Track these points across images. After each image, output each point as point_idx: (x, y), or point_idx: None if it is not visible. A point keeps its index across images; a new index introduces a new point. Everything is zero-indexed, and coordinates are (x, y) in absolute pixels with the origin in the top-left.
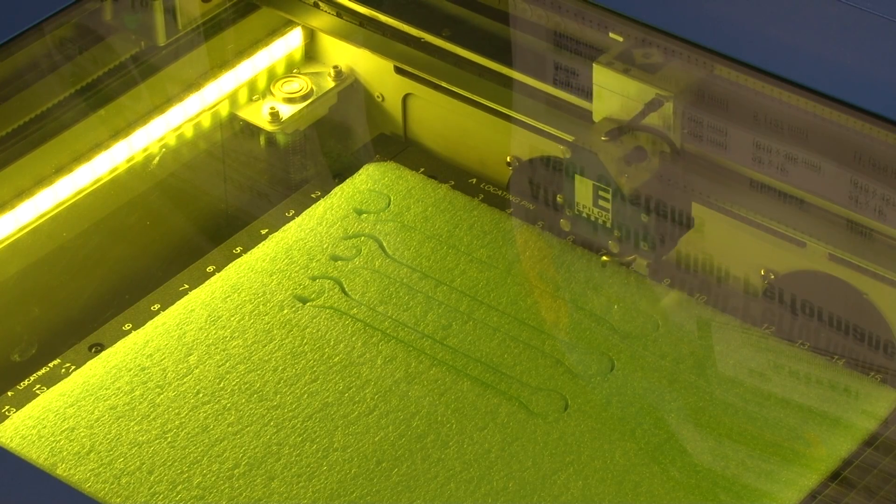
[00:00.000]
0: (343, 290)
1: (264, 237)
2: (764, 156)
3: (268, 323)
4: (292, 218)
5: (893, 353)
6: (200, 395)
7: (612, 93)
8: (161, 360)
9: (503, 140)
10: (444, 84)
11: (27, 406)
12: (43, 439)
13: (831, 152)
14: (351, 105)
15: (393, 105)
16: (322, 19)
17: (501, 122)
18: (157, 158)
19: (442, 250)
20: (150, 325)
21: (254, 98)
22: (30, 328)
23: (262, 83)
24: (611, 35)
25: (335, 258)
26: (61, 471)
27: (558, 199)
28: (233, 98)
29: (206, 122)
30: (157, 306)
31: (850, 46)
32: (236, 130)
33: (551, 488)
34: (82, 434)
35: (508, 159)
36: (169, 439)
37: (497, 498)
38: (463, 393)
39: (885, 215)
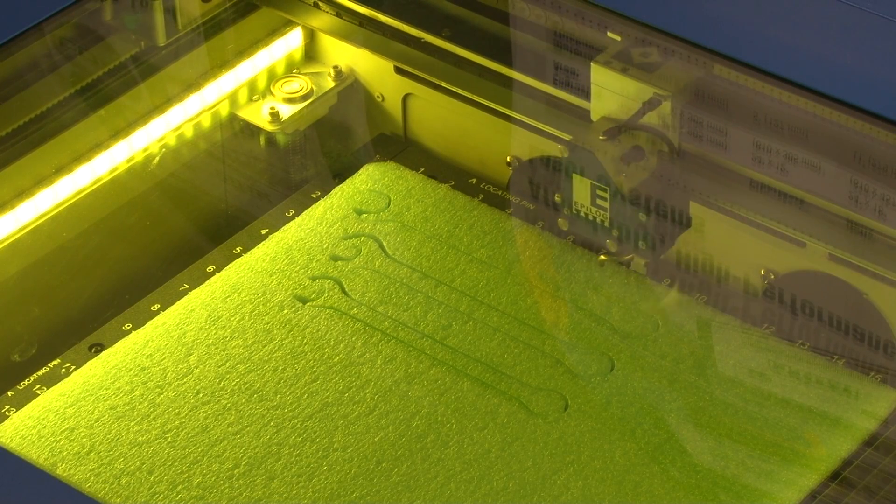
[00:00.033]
0: (343, 290)
1: (264, 237)
2: (764, 156)
3: (268, 323)
4: (292, 218)
5: (893, 353)
6: (200, 395)
7: (610, 92)
8: (161, 360)
9: (503, 140)
10: (444, 84)
11: (27, 406)
12: (43, 439)
13: (831, 152)
14: (351, 105)
15: (393, 105)
16: (322, 19)
17: (501, 122)
18: (157, 158)
19: (442, 250)
20: (150, 325)
21: (254, 98)
22: (30, 328)
23: (262, 83)
24: (609, 34)
25: (335, 258)
26: (61, 471)
27: (556, 198)
28: (233, 98)
29: (206, 122)
30: (157, 306)
31: (850, 46)
32: (236, 130)
33: (551, 488)
34: (82, 434)
35: (508, 159)
36: (169, 439)
37: (497, 498)
38: (463, 393)
39: (885, 215)
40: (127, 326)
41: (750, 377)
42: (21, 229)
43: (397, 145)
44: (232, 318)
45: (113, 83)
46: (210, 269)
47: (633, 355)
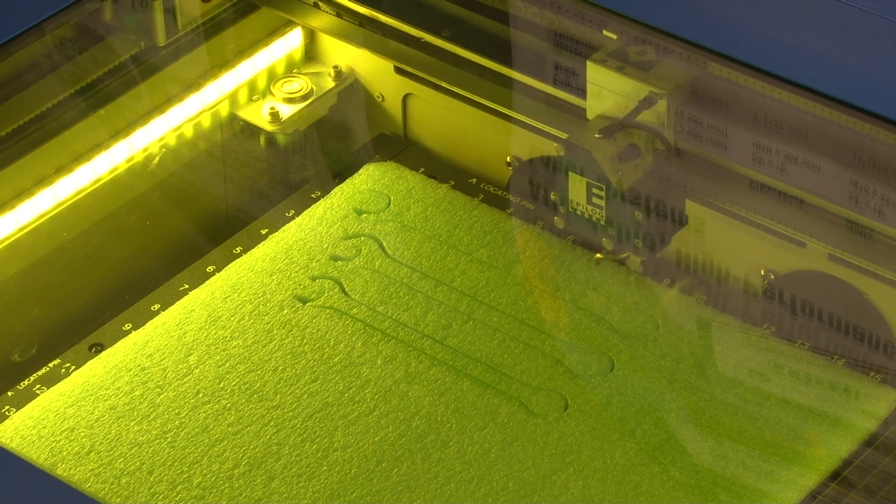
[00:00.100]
0: (343, 290)
1: (264, 237)
2: (764, 156)
3: (268, 323)
4: (292, 218)
5: (893, 353)
6: (200, 395)
7: (606, 90)
8: (161, 360)
9: (503, 140)
10: (444, 84)
11: (27, 406)
12: (43, 439)
13: (831, 152)
14: (351, 105)
15: (393, 105)
16: (322, 19)
17: (501, 122)
18: (157, 158)
19: (442, 250)
20: (150, 325)
21: (254, 98)
22: (30, 328)
23: (262, 83)
24: (605, 33)
25: (335, 258)
26: (61, 471)
27: (552, 196)
28: (233, 98)
29: (206, 122)
30: (157, 306)
31: (850, 46)
32: (236, 130)
33: (551, 488)
34: (82, 434)
35: (508, 159)
36: (169, 439)
37: (497, 498)
38: (463, 393)
39: (885, 215)
40: (127, 326)
41: (750, 377)
42: (21, 229)
43: (397, 145)
44: (232, 318)
45: (113, 83)
46: (210, 269)
47: (633, 355)
